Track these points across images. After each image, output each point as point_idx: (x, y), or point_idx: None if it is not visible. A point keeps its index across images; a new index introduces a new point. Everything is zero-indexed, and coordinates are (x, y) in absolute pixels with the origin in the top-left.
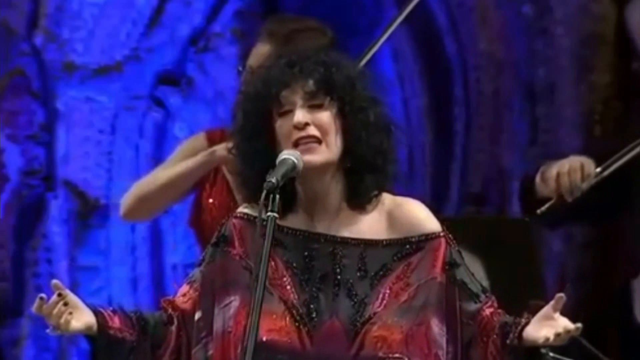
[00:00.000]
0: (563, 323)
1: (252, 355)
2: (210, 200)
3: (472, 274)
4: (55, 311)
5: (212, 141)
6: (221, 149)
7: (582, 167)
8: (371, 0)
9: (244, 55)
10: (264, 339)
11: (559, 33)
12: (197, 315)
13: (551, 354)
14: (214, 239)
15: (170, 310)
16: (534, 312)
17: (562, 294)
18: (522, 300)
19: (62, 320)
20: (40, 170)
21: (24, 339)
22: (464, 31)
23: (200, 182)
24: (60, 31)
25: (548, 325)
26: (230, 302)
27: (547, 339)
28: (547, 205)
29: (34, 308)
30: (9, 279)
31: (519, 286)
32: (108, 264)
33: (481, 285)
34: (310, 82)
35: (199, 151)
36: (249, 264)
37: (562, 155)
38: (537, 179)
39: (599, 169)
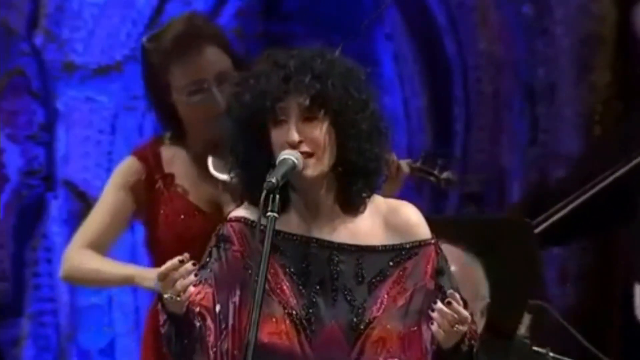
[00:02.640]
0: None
1: (252, 355)
2: (182, 217)
3: (453, 284)
4: (183, 283)
5: (144, 161)
6: (149, 279)
7: None
8: (371, 0)
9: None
10: (265, 341)
11: (559, 33)
12: (218, 308)
13: (551, 354)
14: (212, 242)
15: (198, 308)
16: (534, 312)
17: (452, 292)
18: (522, 300)
19: (186, 294)
20: (40, 170)
21: (24, 339)
22: (464, 31)
23: (151, 201)
24: (60, 31)
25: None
26: (235, 300)
27: (438, 334)
28: None
29: (168, 265)
30: (9, 279)
31: (519, 286)
32: None
33: (459, 299)
34: (305, 97)
35: (137, 178)
36: (249, 264)
37: (562, 155)
38: None
39: None
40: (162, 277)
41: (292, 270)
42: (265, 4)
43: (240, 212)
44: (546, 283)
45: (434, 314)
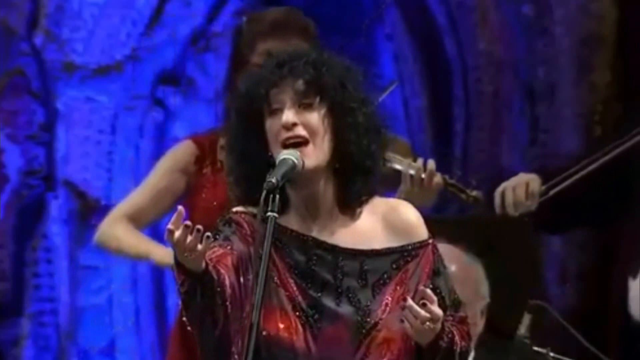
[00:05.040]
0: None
1: (256, 348)
2: (215, 203)
3: (448, 284)
4: (193, 238)
5: (201, 147)
6: (165, 255)
7: (527, 184)
8: (371, 0)
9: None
10: (271, 333)
11: (559, 33)
12: (242, 279)
13: (551, 354)
14: (222, 223)
15: (214, 265)
16: (534, 312)
17: (424, 289)
18: (522, 300)
19: (203, 245)
20: (40, 170)
21: (24, 338)
22: (464, 31)
23: (196, 185)
24: (60, 31)
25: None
26: (249, 277)
27: (408, 330)
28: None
29: (178, 235)
30: (9, 278)
31: (519, 286)
32: (108, 263)
33: (454, 299)
34: (300, 82)
35: (187, 160)
36: (258, 251)
37: (562, 155)
38: None
39: (544, 187)
40: (171, 245)
41: (297, 268)
42: (266, 4)
43: (243, 208)
44: (546, 283)
45: (405, 312)
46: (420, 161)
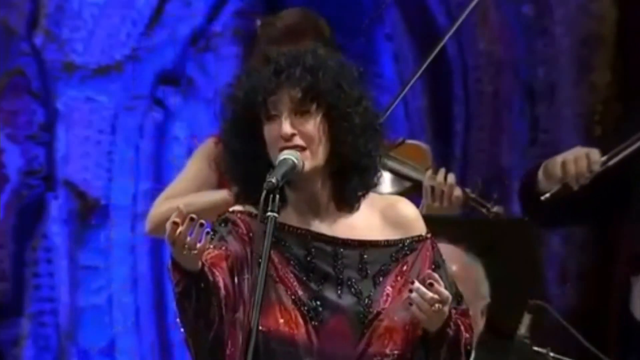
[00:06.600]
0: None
1: (257, 345)
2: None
3: (449, 277)
4: (194, 236)
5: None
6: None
7: (587, 155)
8: (371, 0)
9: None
10: (271, 328)
11: (559, 33)
12: (236, 280)
13: (551, 354)
14: (218, 222)
15: (208, 266)
16: (534, 312)
17: (430, 272)
18: (522, 300)
19: (202, 243)
20: (40, 170)
21: (24, 338)
22: (464, 31)
23: (225, 182)
24: (60, 31)
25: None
26: (245, 277)
27: (418, 315)
28: (551, 192)
29: (182, 229)
30: (9, 278)
31: (519, 286)
32: (108, 263)
33: (455, 292)
34: (297, 90)
35: (213, 157)
36: (254, 249)
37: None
38: (540, 173)
39: (604, 158)
40: (172, 241)
41: (297, 263)
42: (266, 4)
43: (241, 207)
44: (546, 283)
45: (412, 295)
46: (441, 175)
